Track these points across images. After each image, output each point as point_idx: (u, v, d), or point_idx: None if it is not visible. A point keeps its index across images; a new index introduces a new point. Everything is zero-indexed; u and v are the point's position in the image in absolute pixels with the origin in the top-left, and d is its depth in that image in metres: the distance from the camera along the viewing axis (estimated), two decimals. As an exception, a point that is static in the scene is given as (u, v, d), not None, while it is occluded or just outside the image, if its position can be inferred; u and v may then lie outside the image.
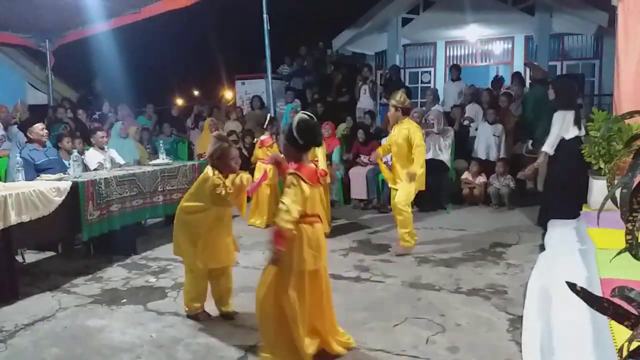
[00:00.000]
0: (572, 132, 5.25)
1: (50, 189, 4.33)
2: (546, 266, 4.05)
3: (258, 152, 6.70)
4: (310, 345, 2.84)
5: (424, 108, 8.43)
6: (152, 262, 5.00)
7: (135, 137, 8.12)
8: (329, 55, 11.86)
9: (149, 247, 5.43)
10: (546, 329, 2.94)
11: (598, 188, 4.83)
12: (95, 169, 5.69)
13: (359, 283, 4.26)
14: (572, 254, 3.98)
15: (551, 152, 5.27)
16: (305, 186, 2.72)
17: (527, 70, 9.30)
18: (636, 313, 1.37)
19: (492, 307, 3.62)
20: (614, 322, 1.78)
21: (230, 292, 3.64)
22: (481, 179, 7.36)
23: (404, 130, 4.96)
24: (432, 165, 6.57)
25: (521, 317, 3.34)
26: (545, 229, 5.14)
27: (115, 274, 4.67)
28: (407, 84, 11.20)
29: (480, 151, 7.66)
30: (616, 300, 1.41)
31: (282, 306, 2.78)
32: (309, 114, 2.91)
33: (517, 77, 8.87)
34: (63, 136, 6.27)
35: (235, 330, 3.38)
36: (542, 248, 4.90)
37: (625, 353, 1.36)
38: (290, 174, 2.76)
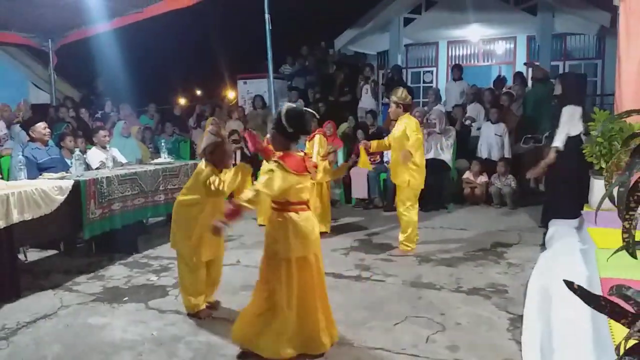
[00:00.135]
0: (577, 129, 5.23)
1: (53, 188, 4.35)
2: (547, 266, 4.05)
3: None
4: (287, 346, 2.86)
5: (426, 108, 8.43)
6: (153, 261, 5.02)
7: (138, 137, 8.15)
8: (331, 55, 11.87)
9: (151, 246, 5.45)
10: (546, 329, 2.94)
11: (599, 188, 4.82)
12: (97, 168, 5.71)
13: (359, 282, 4.27)
14: (572, 253, 3.98)
15: (562, 147, 5.20)
16: (286, 175, 2.76)
17: (529, 69, 9.30)
18: (633, 311, 1.38)
19: (492, 307, 3.63)
20: (613, 322, 1.79)
21: (218, 283, 3.72)
22: (483, 178, 7.36)
23: (401, 126, 4.97)
24: (434, 165, 6.58)
25: (521, 317, 3.35)
26: (547, 228, 5.13)
27: (117, 273, 4.69)
28: (409, 83, 11.21)
29: (482, 151, 7.67)
30: (613, 299, 1.41)
31: (269, 296, 2.85)
32: (295, 105, 2.98)
33: (519, 77, 8.88)
34: (65, 135, 6.30)
35: (236, 328, 3.39)
36: (543, 248, 4.90)
37: (622, 351, 1.36)
38: (274, 161, 2.81)
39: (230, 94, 16.08)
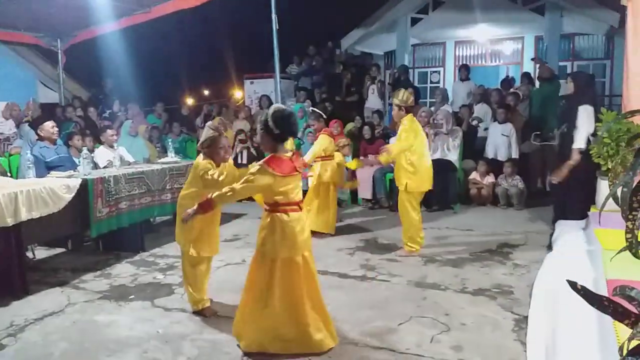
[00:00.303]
0: (590, 128, 5.17)
1: (61, 186, 4.40)
2: (553, 267, 4.02)
3: None
4: (275, 342, 2.95)
5: (432, 108, 8.41)
6: (160, 259, 5.05)
7: (145, 136, 8.20)
8: (338, 55, 11.86)
9: (157, 245, 5.48)
10: (551, 330, 2.93)
11: (606, 189, 4.79)
12: (104, 167, 5.75)
13: (364, 282, 4.27)
14: (579, 254, 3.95)
15: (584, 147, 5.12)
16: (267, 177, 2.80)
17: (536, 67, 9.22)
18: (636, 312, 1.38)
19: (497, 307, 3.63)
20: (618, 323, 1.79)
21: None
22: (489, 179, 7.34)
23: (400, 127, 4.98)
24: (440, 165, 6.56)
25: (527, 317, 3.34)
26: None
27: (124, 271, 4.72)
28: (415, 83, 11.18)
29: (489, 151, 7.65)
30: (617, 299, 1.41)
31: (255, 294, 2.95)
32: (283, 106, 3.01)
33: (526, 77, 8.84)
34: (73, 134, 6.35)
35: (241, 327, 3.41)
36: (549, 249, 4.88)
37: (625, 351, 1.36)
38: (257, 164, 2.88)
39: (237, 94, 16.11)
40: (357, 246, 5.41)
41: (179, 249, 3.71)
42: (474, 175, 7.42)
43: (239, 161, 8.27)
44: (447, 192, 7.07)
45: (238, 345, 3.06)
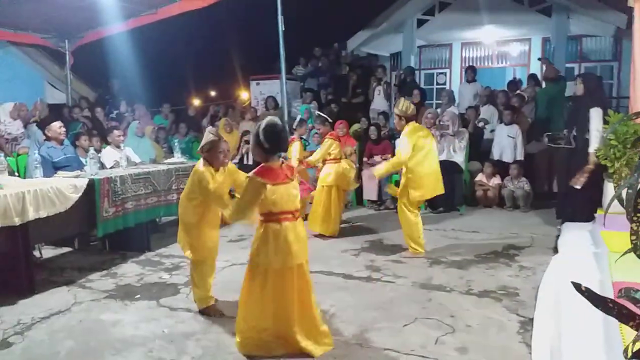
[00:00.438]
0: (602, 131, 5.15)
1: (67, 186, 4.42)
2: (559, 269, 4.01)
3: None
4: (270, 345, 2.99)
5: (439, 110, 8.40)
6: (165, 259, 5.07)
7: (152, 137, 8.24)
8: (344, 56, 11.86)
9: (163, 245, 5.50)
10: (557, 332, 2.92)
11: (612, 191, 4.77)
12: (111, 167, 5.78)
13: (369, 283, 4.27)
14: (585, 257, 3.94)
15: None
16: (261, 186, 2.85)
17: (542, 67, 9.17)
18: (641, 314, 1.37)
19: (503, 309, 3.61)
20: (623, 326, 1.78)
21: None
22: (495, 180, 7.31)
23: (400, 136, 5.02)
24: (446, 167, 6.55)
25: (532, 320, 3.33)
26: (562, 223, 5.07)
27: (130, 270, 4.74)
28: (422, 85, 11.15)
29: (496, 153, 7.62)
30: (621, 301, 1.41)
31: (247, 300, 3.00)
32: (276, 120, 3.01)
33: (532, 78, 8.81)
34: (80, 134, 6.40)
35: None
36: (555, 251, 4.86)
37: (630, 353, 1.36)
38: (247, 176, 2.97)
39: (244, 95, 16.15)
40: (362, 247, 5.41)
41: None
42: (480, 177, 7.40)
43: (245, 162, 8.29)
44: (453, 193, 7.05)
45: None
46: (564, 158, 5.75)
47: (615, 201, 1.60)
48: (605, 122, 5.03)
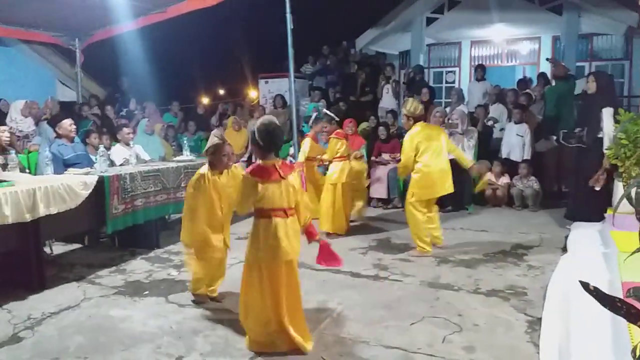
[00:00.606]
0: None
1: (78, 183, 4.46)
2: (568, 269, 3.99)
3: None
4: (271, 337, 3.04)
5: (448, 108, 8.36)
6: (174, 256, 5.10)
7: (161, 134, 8.29)
8: (353, 55, 11.84)
9: (172, 242, 5.52)
10: (565, 331, 2.90)
11: (622, 190, 4.74)
12: (121, 165, 5.82)
13: (377, 281, 4.27)
14: (594, 257, 3.92)
15: None
16: (253, 183, 2.95)
17: (551, 66, 9.11)
18: (650, 313, 1.36)
19: (510, 308, 3.60)
20: (632, 325, 1.77)
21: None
22: (504, 179, 7.28)
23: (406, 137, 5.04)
24: (455, 166, 6.52)
25: (540, 319, 3.31)
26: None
27: (139, 267, 4.78)
28: (431, 83, 11.12)
29: (504, 152, 7.58)
30: (630, 301, 1.40)
31: (246, 294, 3.09)
32: (270, 119, 3.10)
33: (542, 77, 8.75)
34: (91, 132, 6.45)
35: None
36: (564, 250, 4.83)
37: (638, 353, 1.35)
38: (242, 174, 3.09)
39: (252, 93, 16.18)
40: (370, 246, 5.41)
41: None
42: (489, 176, 7.37)
43: (254, 160, 8.30)
44: (461, 192, 7.01)
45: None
46: (574, 157, 5.71)
47: (625, 200, 1.59)
48: (616, 120, 4.99)
